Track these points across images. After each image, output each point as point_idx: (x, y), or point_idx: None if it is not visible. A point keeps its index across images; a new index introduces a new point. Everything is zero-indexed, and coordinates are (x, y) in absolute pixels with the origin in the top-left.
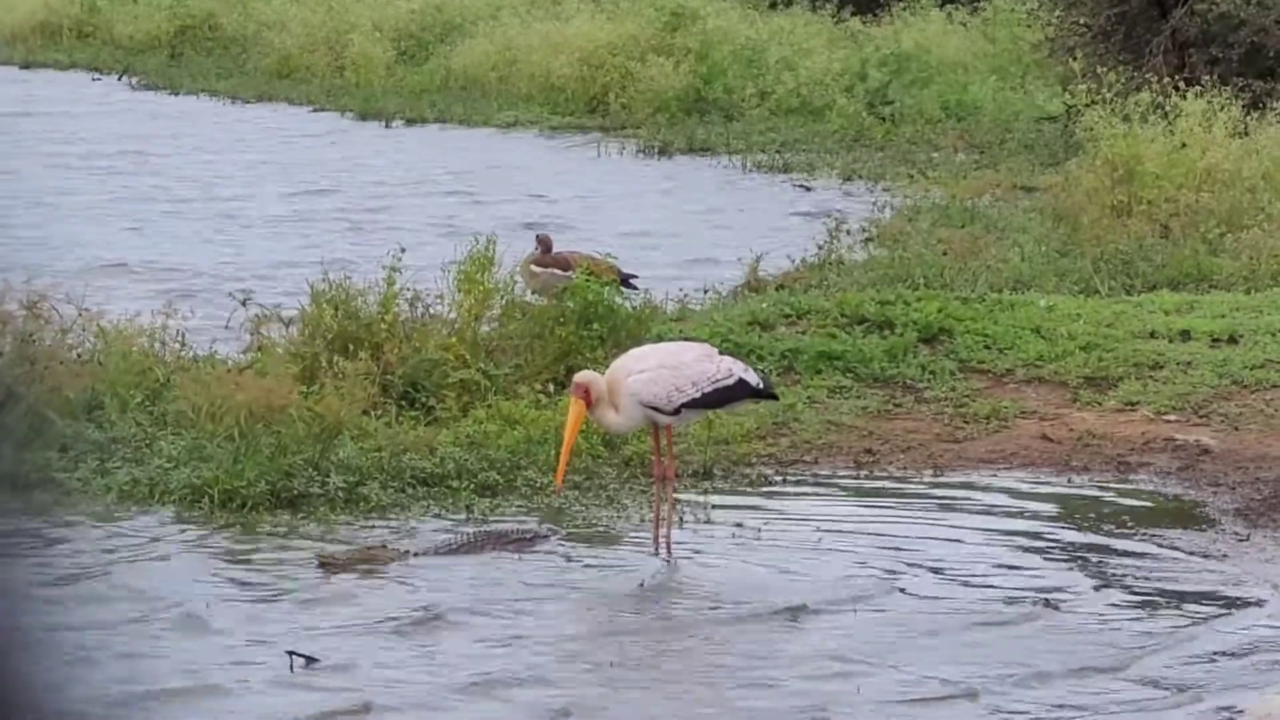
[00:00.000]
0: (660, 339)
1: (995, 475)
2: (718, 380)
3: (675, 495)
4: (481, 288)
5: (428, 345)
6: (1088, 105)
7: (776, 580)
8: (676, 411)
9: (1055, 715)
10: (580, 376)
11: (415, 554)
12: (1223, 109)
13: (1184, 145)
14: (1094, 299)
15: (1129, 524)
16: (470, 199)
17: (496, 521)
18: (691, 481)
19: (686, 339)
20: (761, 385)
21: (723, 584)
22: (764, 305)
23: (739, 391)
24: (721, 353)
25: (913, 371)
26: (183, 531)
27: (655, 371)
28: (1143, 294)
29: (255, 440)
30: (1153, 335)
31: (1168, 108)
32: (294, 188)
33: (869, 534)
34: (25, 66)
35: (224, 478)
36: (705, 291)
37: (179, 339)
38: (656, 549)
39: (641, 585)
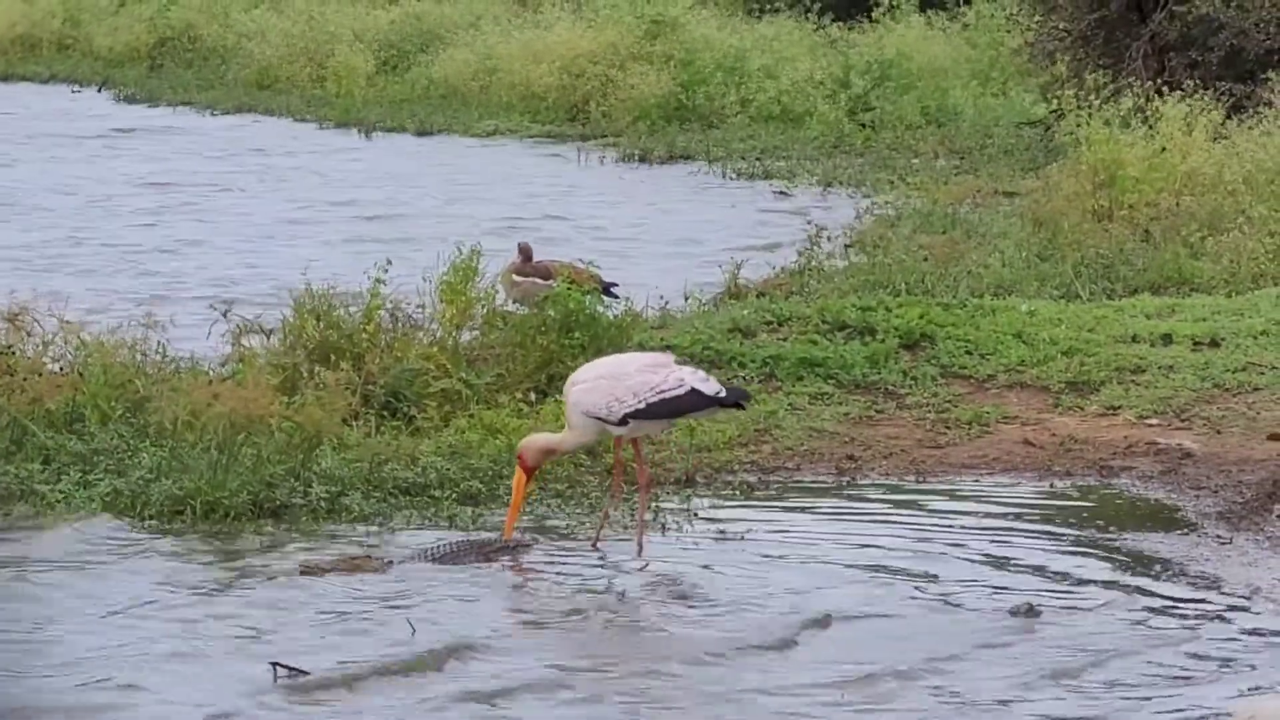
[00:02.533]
0: (642, 347)
1: (977, 480)
2: (663, 390)
3: (654, 502)
4: (464, 297)
5: (409, 355)
6: (1072, 110)
7: (759, 589)
8: (623, 422)
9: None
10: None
11: (398, 563)
12: (1204, 113)
13: (1164, 149)
14: (1075, 304)
15: (1111, 528)
16: (450, 207)
17: (480, 530)
18: (674, 489)
19: (668, 347)
20: (722, 394)
21: (704, 594)
22: (745, 312)
23: (691, 402)
24: (680, 362)
25: (894, 377)
26: (165, 542)
27: (594, 382)
28: (1124, 298)
29: (236, 451)
30: (1134, 339)
31: (1149, 112)
32: (275, 199)
33: (850, 541)
34: (4, 79)
35: (206, 489)
36: (686, 299)
37: (160, 350)
38: (639, 553)
39: (622, 596)
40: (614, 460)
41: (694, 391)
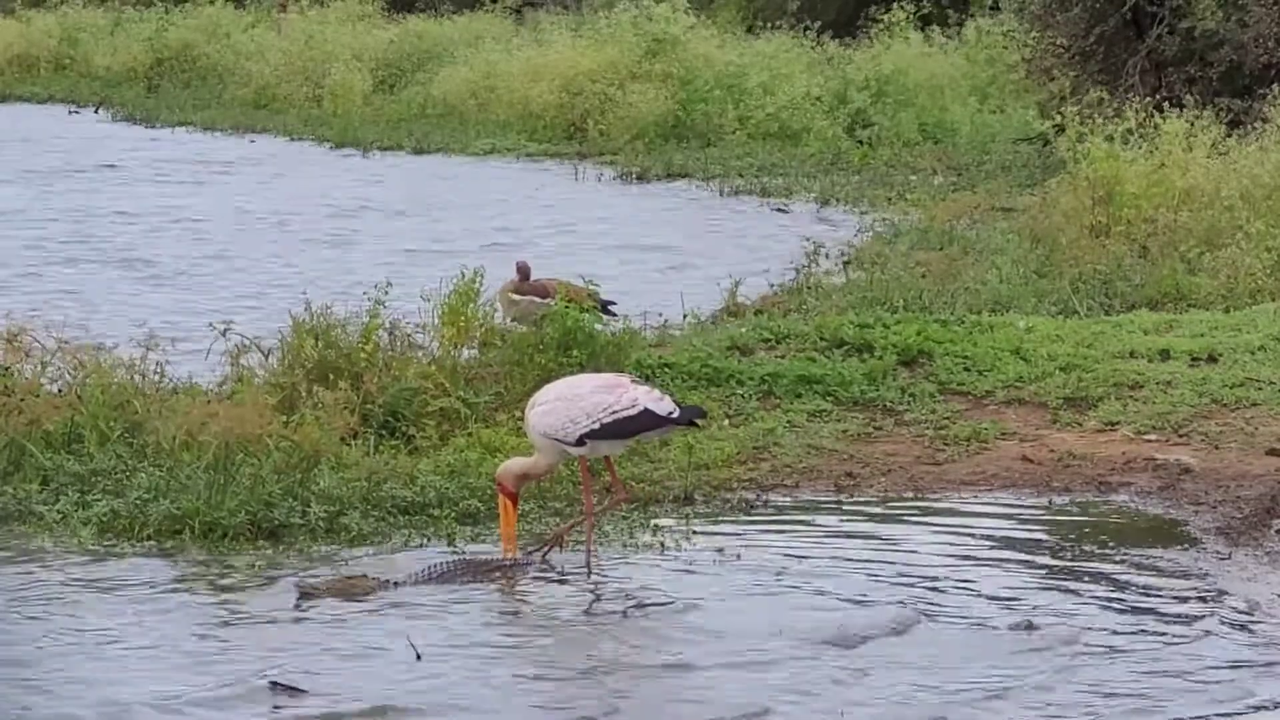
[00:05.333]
0: (639, 364)
1: (976, 497)
2: (617, 411)
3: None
4: (465, 318)
5: (407, 374)
6: (1073, 126)
7: (757, 605)
8: (580, 442)
9: None
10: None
11: (396, 583)
12: (1205, 129)
13: (1163, 165)
14: (1073, 319)
15: (1110, 544)
16: (446, 225)
17: (478, 550)
18: (673, 507)
19: (667, 365)
20: (676, 414)
21: (703, 610)
22: (743, 330)
23: (645, 421)
24: (637, 382)
25: (892, 394)
26: (163, 563)
27: (551, 404)
28: (1122, 314)
29: (234, 471)
30: (1132, 355)
31: (1148, 128)
32: (271, 217)
33: (849, 557)
34: (1, 100)
35: (204, 509)
36: (684, 317)
37: (158, 371)
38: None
39: (624, 614)
40: (582, 480)
41: (647, 411)
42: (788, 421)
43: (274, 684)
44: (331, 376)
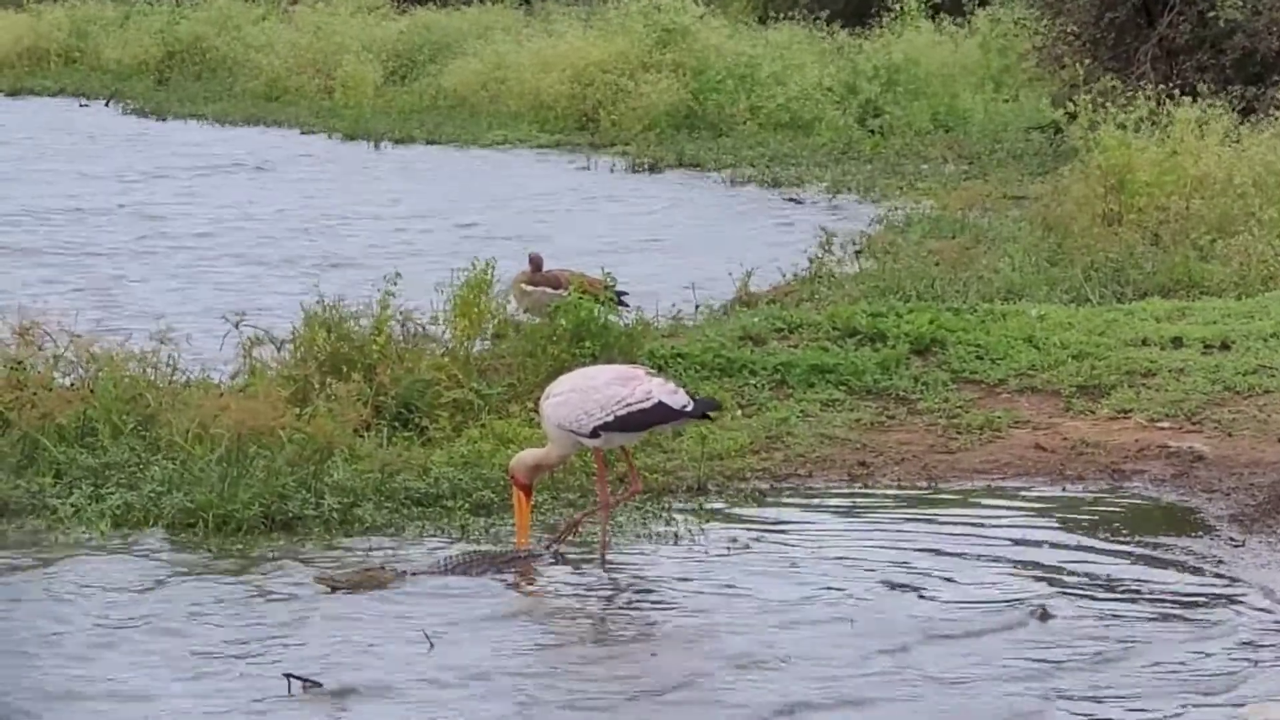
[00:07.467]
0: (652, 355)
1: (989, 485)
2: (630, 404)
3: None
4: (477, 310)
5: (420, 365)
6: (1086, 113)
7: (770, 593)
8: (594, 434)
9: None
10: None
11: (413, 574)
12: (1218, 117)
13: (1175, 153)
14: (1085, 307)
15: (1123, 531)
16: (459, 218)
17: (493, 541)
18: (687, 496)
19: (680, 355)
20: (689, 407)
21: (717, 598)
22: (755, 320)
23: (658, 414)
24: (652, 374)
25: (905, 383)
26: (176, 556)
27: (566, 395)
28: (1134, 302)
29: (247, 463)
30: (1144, 343)
31: (1161, 116)
32: (278, 210)
33: (864, 546)
34: (12, 94)
35: (217, 501)
36: (697, 307)
37: (170, 364)
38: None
39: (636, 602)
40: (597, 471)
41: (661, 404)
42: (801, 411)
43: (289, 676)
44: (344, 369)
